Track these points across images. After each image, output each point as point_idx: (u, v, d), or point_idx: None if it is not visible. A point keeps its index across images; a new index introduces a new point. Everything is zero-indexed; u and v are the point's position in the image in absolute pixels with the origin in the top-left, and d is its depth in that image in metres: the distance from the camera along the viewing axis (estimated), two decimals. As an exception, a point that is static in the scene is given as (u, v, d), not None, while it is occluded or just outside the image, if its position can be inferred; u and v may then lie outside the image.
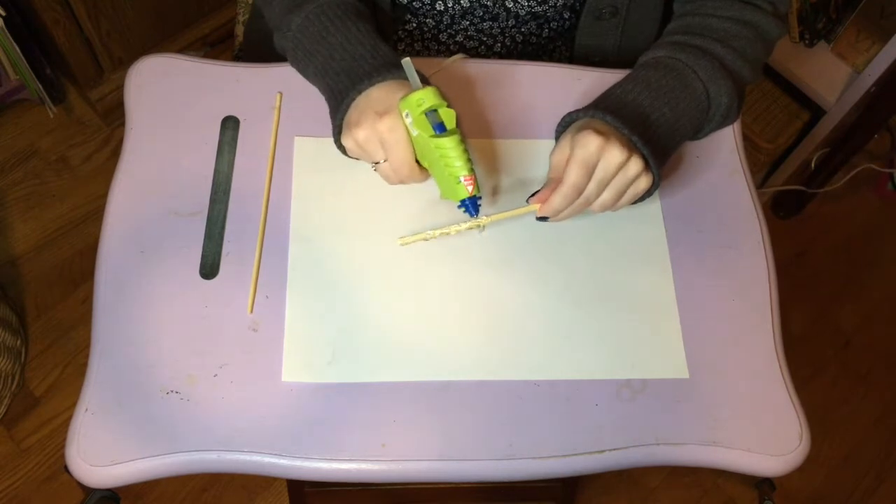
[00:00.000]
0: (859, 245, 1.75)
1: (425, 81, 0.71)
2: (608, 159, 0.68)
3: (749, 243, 0.79)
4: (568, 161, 0.69)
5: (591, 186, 0.69)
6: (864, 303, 1.69)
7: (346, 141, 0.71)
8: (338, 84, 0.73)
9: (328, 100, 0.75)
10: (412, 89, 0.68)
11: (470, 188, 0.68)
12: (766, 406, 0.71)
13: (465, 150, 0.68)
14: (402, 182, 0.71)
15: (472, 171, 0.68)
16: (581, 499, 1.45)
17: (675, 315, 0.74)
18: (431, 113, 0.68)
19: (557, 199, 0.69)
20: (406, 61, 0.68)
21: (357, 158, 0.73)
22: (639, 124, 0.72)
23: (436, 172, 0.70)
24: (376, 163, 0.71)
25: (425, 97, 0.67)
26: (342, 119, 0.72)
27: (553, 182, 0.71)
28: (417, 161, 0.71)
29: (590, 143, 0.67)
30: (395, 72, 0.71)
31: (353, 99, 0.71)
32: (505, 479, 0.67)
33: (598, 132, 0.68)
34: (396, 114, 0.68)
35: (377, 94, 0.70)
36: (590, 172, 0.68)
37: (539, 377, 0.70)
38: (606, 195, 0.70)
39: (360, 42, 0.74)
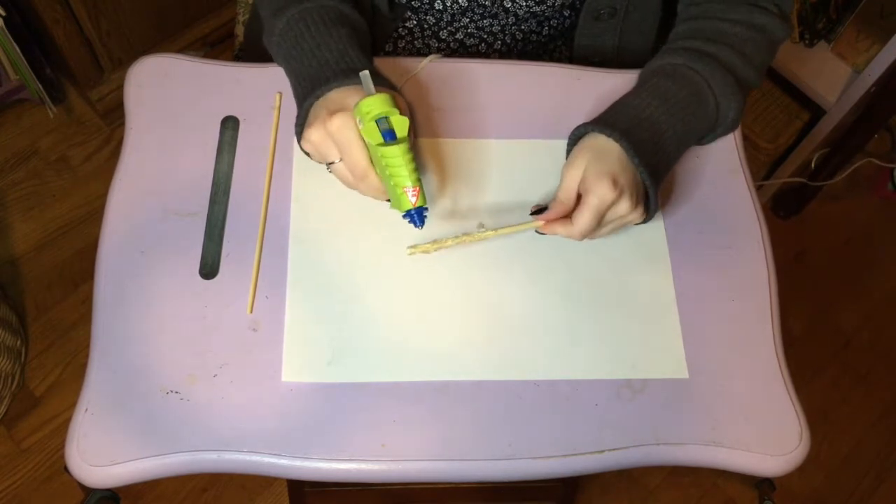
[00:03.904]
0: (859, 245, 1.75)
1: (394, 88, 0.69)
2: (617, 210, 0.70)
3: (749, 243, 0.79)
4: (581, 205, 0.70)
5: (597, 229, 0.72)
6: (864, 303, 1.69)
7: (304, 144, 0.70)
8: (303, 90, 0.73)
9: (297, 105, 0.74)
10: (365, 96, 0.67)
11: (413, 199, 0.67)
12: (766, 406, 0.71)
13: (412, 160, 0.67)
14: (358, 184, 0.69)
15: (417, 181, 0.66)
16: (581, 499, 1.45)
17: (674, 315, 0.74)
18: (382, 120, 0.66)
19: (561, 233, 0.72)
20: (364, 74, 0.68)
21: (319, 162, 0.72)
22: (650, 148, 0.72)
23: (385, 181, 0.68)
24: (331, 163, 0.70)
25: (374, 104, 0.66)
26: (302, 124, 0.72)
27: (560, 205, 0.71)
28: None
29: (606, 196, 0.68)
30: (356, 77, 0.70)
31: (311, 104, 0.71)
32: (505, 479, 0.67)
33: (615, 183, 0.68)
34: (348, 113, 0.67)
35: (334, 97, 0.70)
36: (600, 219, 0.70)
37: (539, 377, 0.70)
38: (602, 231, 0.73)
39: (329, 48, 0.73)
